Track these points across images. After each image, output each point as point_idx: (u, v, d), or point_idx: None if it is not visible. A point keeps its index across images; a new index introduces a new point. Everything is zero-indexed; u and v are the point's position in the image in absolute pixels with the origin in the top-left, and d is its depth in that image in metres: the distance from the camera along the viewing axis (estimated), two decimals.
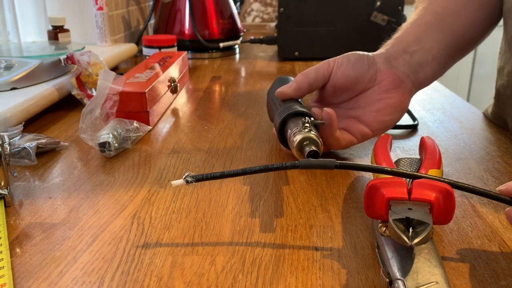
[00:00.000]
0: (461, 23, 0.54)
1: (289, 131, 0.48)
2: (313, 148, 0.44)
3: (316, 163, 0.35)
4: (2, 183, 0.42)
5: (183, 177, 0.35)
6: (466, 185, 0.33)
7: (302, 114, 0.50)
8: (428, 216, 0.30)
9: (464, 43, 0.56)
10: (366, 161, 0.51)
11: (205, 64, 1.05)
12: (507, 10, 0.54)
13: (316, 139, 0.45)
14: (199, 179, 0.36)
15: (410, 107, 0.71)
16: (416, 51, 0.53)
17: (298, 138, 0.45)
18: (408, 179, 0.38)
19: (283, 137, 0.51)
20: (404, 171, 0.34)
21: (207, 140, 0.58)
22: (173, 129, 0.62)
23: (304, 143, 0.45)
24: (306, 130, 0.45)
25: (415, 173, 0.34)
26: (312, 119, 0.48)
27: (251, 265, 0.33)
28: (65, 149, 0.55)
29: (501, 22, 0.58)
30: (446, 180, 0.33)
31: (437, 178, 0.33)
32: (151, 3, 1.36)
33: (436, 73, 0.55)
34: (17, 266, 0.33)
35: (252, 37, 1.12)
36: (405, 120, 0.65)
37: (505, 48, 0.62)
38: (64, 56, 0.73)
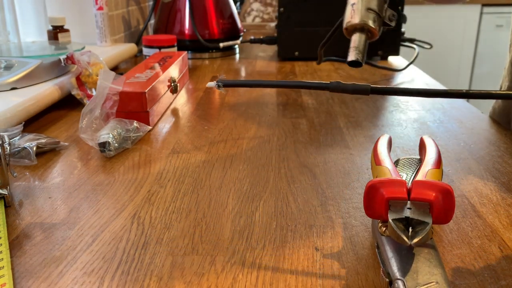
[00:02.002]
0: None
1: None
2: (358, 56, 0.37)
3: (350, 87, 0.33)
4: (2, 183, 0.42)
5: (216, 81, 0.36)
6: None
7: None
8: (428, 215, 0.30)
9: None
10: (366, 160, 0.51)
11: (205, 64, 1.05)
12: None
13: (375, 29, 0.37)
14: (228, 84, 0.36)
15: (410, 106, 0.71)
16: None
17: (356, 20, 0.38)
18: (407, 179, 0.38)
19: None
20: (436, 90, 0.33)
21: (207, 140, 0.58)
22: (173, 129, 0.62)
23: (357, 31, 0.38)
24: (372, 11, 0.38)
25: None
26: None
27: (251, 265, 0.33)
28: (65, 149, 0.55)
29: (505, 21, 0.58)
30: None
31: None
32: (151, 3, 1.36)
33: None
34: (17, 266, 0.33)
35: (252, 37, 1.12)
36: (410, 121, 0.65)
37: None
38: (64, 56, 0.73)
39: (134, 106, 0.60)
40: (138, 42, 1.12)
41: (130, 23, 1.21)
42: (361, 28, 0.39)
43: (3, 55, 0.76)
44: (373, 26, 0.39)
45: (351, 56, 0.39)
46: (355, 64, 0.38)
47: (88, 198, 0.43)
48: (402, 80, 0.89)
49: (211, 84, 0.36)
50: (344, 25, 0.40)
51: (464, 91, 0.35)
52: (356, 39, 0.39)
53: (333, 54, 1.05)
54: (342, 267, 0.33)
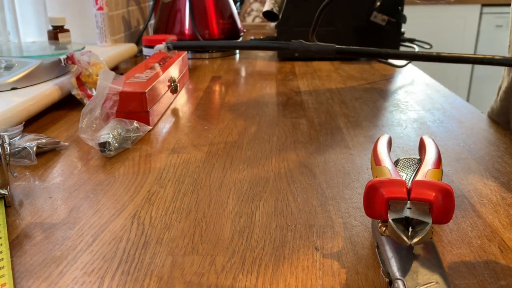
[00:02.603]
0: None
1: None
2: (273, 6, 0.37)
3: (314, 47, 0.32)
4: (2, 183, 0.42)
5: (165, 43, 0.34)
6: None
7: None
8: (428, 215, 0.30)
9: None
10: (366, 160, 0.51)
11: (205, 64, 1.05)
12: None
13: None
14: (178, 46, 0.34)
15: (410, 106, 0.71)
16: None
17: None
18: (407, 179, 0.38)
19: None
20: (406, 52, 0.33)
21: (207, 140, 0.58)
22: (173, 129, 0.62)
23: None
24: None
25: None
26: None
27: (251, 265, 0.34)
28: (65, 149, 0.55)
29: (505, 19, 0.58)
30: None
31: None
32: (151, 3, 1.36)
33: None
34: (17, 266, 0.34)
35: (252, 37, 1.12)
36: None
37: None
38: (64, 56, 0.73)
39: (134, 106, 0.60)
40: (138, 42, 1.12)
41: (130, 23, 1.21)
42: None
43: (3, 55, 0.76)
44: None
45: (266, 6, 0.37)
46: (270, 15, 0.37)
47: (88, 198, 0.43)
48: (401, 80, 0.89)
49: (160, 46, 0.35)
50: None
51: (435, 54, 0.34)
52: None
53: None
54: (342, 267, 0.33)
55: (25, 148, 0.50)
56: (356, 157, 0.52)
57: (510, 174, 0.48)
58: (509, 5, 0.59)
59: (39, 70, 0.69)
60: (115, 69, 0.97)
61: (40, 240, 0.37)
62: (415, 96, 0.77)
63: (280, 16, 0.37)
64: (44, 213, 0.41)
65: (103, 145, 0.52)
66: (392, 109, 0.70)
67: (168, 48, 0.34)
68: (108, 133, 0.52)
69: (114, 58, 0.94)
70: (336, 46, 0.31)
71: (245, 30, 1.24)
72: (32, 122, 0.64)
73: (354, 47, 0.33)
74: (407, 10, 1.07)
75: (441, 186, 0.31)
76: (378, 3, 1.01)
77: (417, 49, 1.01)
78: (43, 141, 0.53)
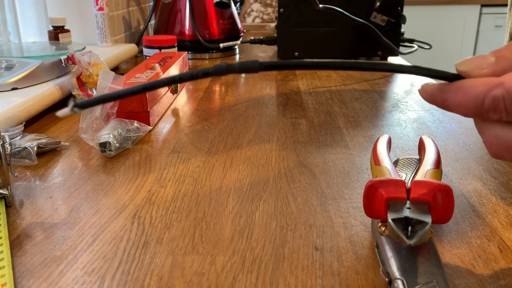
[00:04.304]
0: None
1: None
2: None
3: (238, 65, 0.30)
4: (3, 183, 0.42)
5: (69, 106, 0.29)
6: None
7: None
8: (427, 215, 0.30)
9: None
10: (365, 160, 0.51)
11: (205, 65, 1.05)
12: None
13: None
14: (85, 105, 0.30)
15: (410, 107, 0.71)
16: None
17: None
18: (407, 179, 0.38)
19: None
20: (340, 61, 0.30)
21: (207, 140, 0.58)
22: (174, 129, 0.62)
23: None
24: None
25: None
26: None
27: (251, 265, 0.34)
28: (65, 149, 0.55)
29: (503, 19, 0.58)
30: None
31: None
32: (151, 3, 1.36)
33: None
34: (18, 265, 0.34)
35: (252, 38, 1.12)
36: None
37: None
38: (65, 57, 0.73)
39: (135, 106, 0.60)
40: (138, 43, 1.12)
41: (130, 24, 1.21)
42: None
43: (4, 56, 0.76)
44: None
45: None
46: (221, 5, 0.36)
47: (89, 198, 0.43)
48: (401, 80, 0.89)
49: (64, 111, 0.30)
50: None
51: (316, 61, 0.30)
52: None
53: (333, 55, 1.05)
54: (342, 266, 0.33)
55: (26, 148, 0.50)
56: (355, 157, 0.52)
57: (510, 174, 0.48)
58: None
59: (40, 70, 0.69)
60: (116, 69, 0.97)
61: (41, 240, 0.37)
62: (415, 96, 0.77)
63: (231, 3, 0.37)
64: (44, 213, 0.41)
65: (104, 145, 0.52)
66: (391, 109, 0.71)
67: (74, 110, 0.29)
68: (109, 133, 0.53)
69: (115, 59, 0.94)
70: (260, 61, 0.29)
71: (245, 31, 1.24)
72: (33, 122, 0.64)
73: (280, 61, 0.31)
74: (407, 11, 1.07)
75: (440, 186, 0.32)
76: (378, 4, 1.01)
77: (416, 48, 1.01)
78: (44, 141, 0.53)
